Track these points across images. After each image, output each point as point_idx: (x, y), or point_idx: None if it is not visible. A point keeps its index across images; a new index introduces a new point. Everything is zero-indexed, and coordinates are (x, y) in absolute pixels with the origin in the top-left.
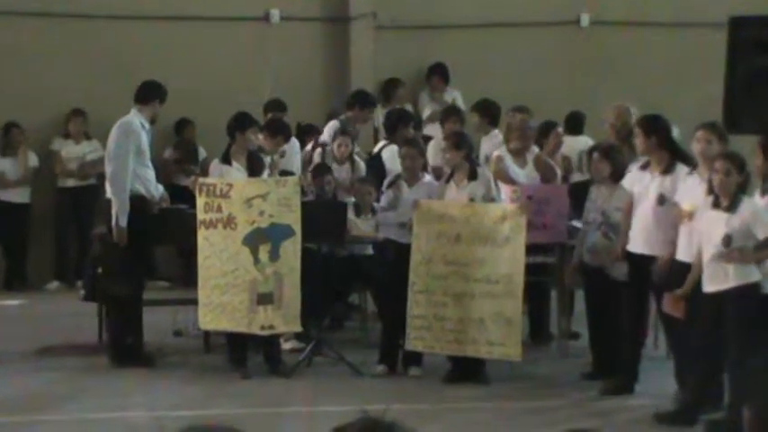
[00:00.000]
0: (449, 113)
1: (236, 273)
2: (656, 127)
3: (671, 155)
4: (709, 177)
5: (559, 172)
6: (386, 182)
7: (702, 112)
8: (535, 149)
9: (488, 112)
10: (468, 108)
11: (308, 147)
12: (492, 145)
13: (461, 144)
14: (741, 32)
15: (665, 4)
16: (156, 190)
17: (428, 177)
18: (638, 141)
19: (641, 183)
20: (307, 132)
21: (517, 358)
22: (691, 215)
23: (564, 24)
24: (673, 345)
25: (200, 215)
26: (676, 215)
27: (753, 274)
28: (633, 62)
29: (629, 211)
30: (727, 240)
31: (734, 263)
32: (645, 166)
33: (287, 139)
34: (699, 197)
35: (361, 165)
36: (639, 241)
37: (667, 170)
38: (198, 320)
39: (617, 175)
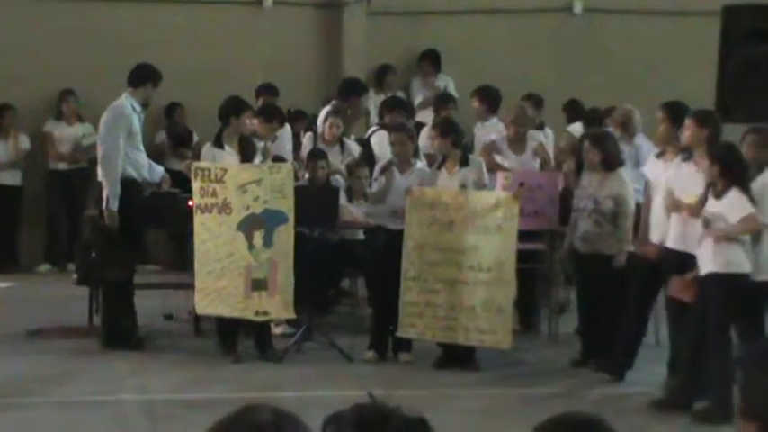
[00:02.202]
0: (442, 100)
1: (232, 258)
2: (681, 115)
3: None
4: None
5: (552, 161)
6: (377, 167)
7: (695, 101)
8: (540, 137)
9: (488, 99)
10: (459, 95)
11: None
12: (489, 132)
13: (447, 131)
14: (734, 21)
15: None
16: (151, 173)
17: (420, 164)
18: (661, 128)
19: (655, 172)
20: (296, 118)
21: (507, 346)
22: (690, 208)
23: (557, 11)
24: (674, 334)
25: (197, 199)
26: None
27: (734, 264)
28: (625, 50)
29: (647, 202)
30: (706, 223)
31: (711, 235)
32: (660, 155)
33: (282, 125)
34: (692, 186)
35: (352, 146)
36: (654, 231)
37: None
38: (189, 304)
39: (608, 162)
